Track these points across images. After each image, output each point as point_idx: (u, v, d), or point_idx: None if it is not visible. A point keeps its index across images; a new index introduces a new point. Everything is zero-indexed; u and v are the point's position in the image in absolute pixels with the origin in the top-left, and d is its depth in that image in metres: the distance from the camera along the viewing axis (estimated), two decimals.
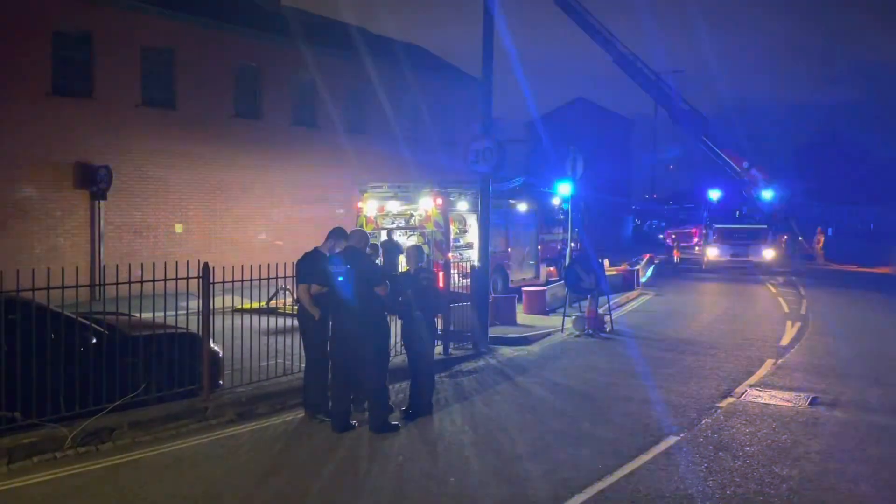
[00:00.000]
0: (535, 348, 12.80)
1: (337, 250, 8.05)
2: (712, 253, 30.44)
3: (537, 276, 19.96)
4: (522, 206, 19.46)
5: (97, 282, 16.80)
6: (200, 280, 8.13)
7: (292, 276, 8.52)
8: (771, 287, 23.55)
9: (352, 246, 7.86)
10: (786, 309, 18.18)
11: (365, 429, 7.61)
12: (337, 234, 8.30)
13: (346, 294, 7.53)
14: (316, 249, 8.29)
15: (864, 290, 23.47)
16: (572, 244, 18.58)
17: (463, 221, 17.30)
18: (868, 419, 8.44)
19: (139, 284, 7.84)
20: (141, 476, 6.36)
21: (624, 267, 24.00)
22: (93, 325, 7.67)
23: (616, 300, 18.13)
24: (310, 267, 8.06)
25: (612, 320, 14.61)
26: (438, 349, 10.76)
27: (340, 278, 7.56)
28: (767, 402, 9.04)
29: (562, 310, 15.01)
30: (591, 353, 12.44)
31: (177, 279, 8.05)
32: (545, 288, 17.73)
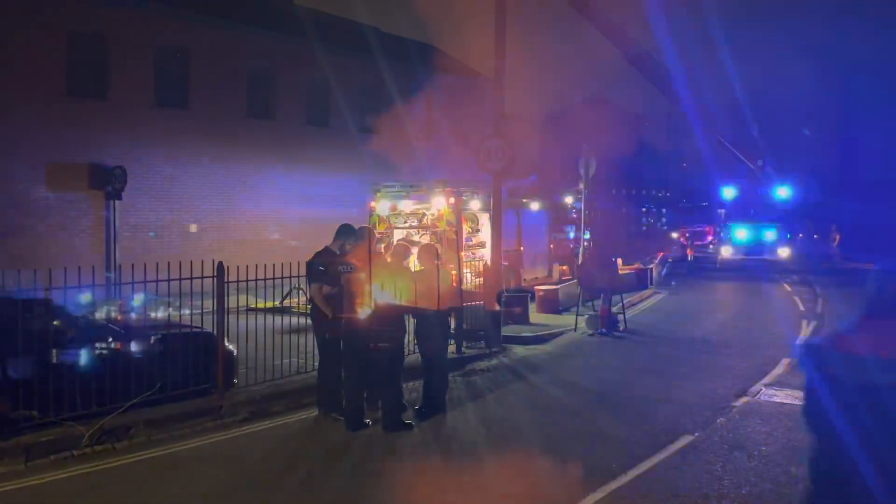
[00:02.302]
0: (548, 347, 12.78)
1: (347, 247, 8.05)
2: (727, 251, 30.27)
3: (550, 274, 19.92)
4: (535, 205, 19.43)
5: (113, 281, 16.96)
6: (215, 279, 8.17)
7: (305, 276, 8.54)
8: (786, 286, 23.36)
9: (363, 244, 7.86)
10: (801, 308, 18.05)
11: (379, 427, 7.62)
12: (345, 231, 8.30)
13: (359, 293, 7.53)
14: (326, 248, 8.30)
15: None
16: (585, 243, 18.55)
17: (475, 220, 17.27)
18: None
19: (154, 284, 7.89)
20: (157, 474, 6.40)
21: (637, 265, 23.89)
22: (109, 324, 7.73)
23: (629, 299, 18.03)
24: (320, 266, 8.07)
25: (625, 319, 14.55)
26: (451, 348, 10.77)
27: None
28: (783, 401, 8.97)
29: (575, 309, 14.97)
30: (604, 352, 12.40)
31: (191, 278, 8.09)
32: (558, 287, 17.69)
